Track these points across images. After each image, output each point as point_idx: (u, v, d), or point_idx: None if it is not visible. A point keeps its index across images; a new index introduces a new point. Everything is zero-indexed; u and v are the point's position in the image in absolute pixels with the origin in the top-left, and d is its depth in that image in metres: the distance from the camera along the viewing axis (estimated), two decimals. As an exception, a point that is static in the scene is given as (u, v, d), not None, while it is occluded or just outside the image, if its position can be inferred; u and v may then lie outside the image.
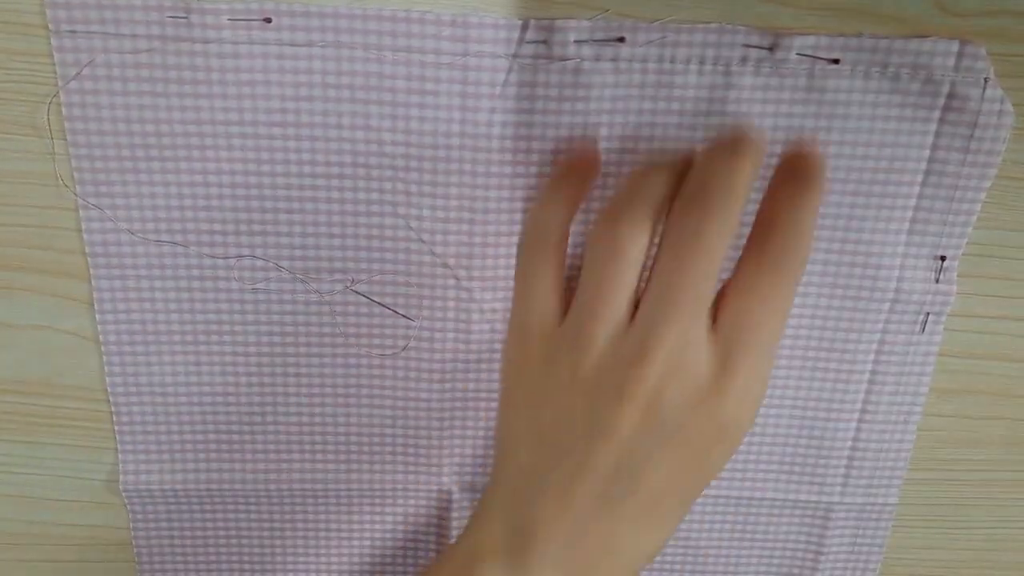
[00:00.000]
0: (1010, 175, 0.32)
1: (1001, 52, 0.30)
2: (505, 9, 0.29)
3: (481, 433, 0.36)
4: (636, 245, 0.27)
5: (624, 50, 0.29)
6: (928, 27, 0.29)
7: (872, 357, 0.35)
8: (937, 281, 0.33)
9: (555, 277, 0.29)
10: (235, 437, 0.36)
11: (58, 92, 0.30)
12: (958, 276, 0.34)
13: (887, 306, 0.34)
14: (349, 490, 0.37)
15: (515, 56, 0.29)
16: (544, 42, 0.29)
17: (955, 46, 0.29)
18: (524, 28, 0.29)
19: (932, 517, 0.39)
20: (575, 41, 0.29)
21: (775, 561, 0.39)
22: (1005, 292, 0.34)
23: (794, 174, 0.28)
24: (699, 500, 0.37)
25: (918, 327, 0.34)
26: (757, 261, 0.27)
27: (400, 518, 0.38)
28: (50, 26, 0.29)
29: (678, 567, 0.39)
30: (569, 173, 0.30)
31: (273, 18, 0.29)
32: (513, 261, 0.33)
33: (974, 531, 0.39)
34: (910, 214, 0.32)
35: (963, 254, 0.33)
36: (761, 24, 0.29)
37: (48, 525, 0.38)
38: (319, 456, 0.36)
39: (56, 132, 0.31)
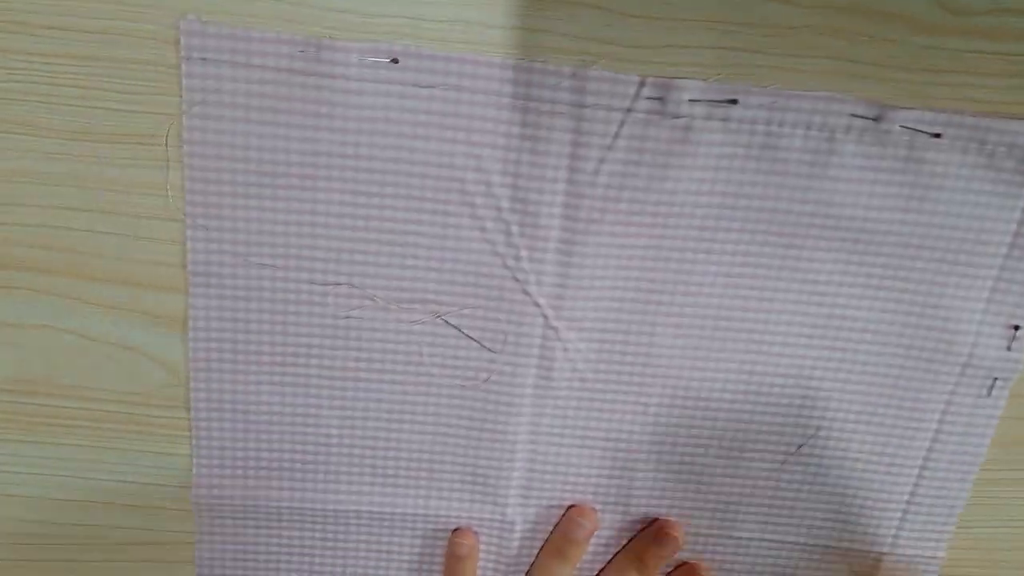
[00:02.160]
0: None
1: (1002, 51, 0.30)
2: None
3: (549, 468, 0.37)
4: None
5: (735, 111, 0.30)
6: (929, 26, 0.30)
7: (938, 417, 0.36)
8: (1009, 349, 0.34)
9: None
10: (309, 458, 0.36)
11: (182, 116, 0.30)
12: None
13: (957, 370, 0.35)
14: (416, 515, 0.38)
15: (630, 110, 0.30)
16: (660, 99, 0.30)
17: None
18: (641, 84, 0.30)
19: (934, 517, 0.39)
20: (689, 100, 0.30)
21: None
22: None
23: None
24: (748, 541, 0.39)
25: (985, 391, 0.35)
26: None
27: (485, 546, 0.39)
28: (182, 52, 0.29)
29: None
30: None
31: (400, 59, 0.30)
32: (604, 304, 0.34)
33: (975, 531, 0.39)
34: (990, 283, 0.33)
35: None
36: (761, 23, 0.30)
37: (49, 525, 0.38)
38: (390, 480, 0.37)
39: (172, 146, 0.31)
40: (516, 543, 0.38)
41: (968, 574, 0.40)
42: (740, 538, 0.38)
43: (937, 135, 0.31)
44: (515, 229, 0.32)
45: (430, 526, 0.38)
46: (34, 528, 0.38)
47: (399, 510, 0.38)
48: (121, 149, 0.31)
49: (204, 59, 0.29)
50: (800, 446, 0.36)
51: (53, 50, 0.29)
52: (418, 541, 0.38)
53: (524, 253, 0.33)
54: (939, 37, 0.30)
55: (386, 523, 0.38)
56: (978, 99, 0.31)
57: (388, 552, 0.38)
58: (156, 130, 0.31)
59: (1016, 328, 0.34)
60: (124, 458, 0.36)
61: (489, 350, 0.34)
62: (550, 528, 0.38)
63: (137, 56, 0.30)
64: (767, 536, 0.38)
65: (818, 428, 0.36)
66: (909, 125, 0.31)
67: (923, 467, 0.37)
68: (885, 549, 0.38)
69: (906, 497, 0.37)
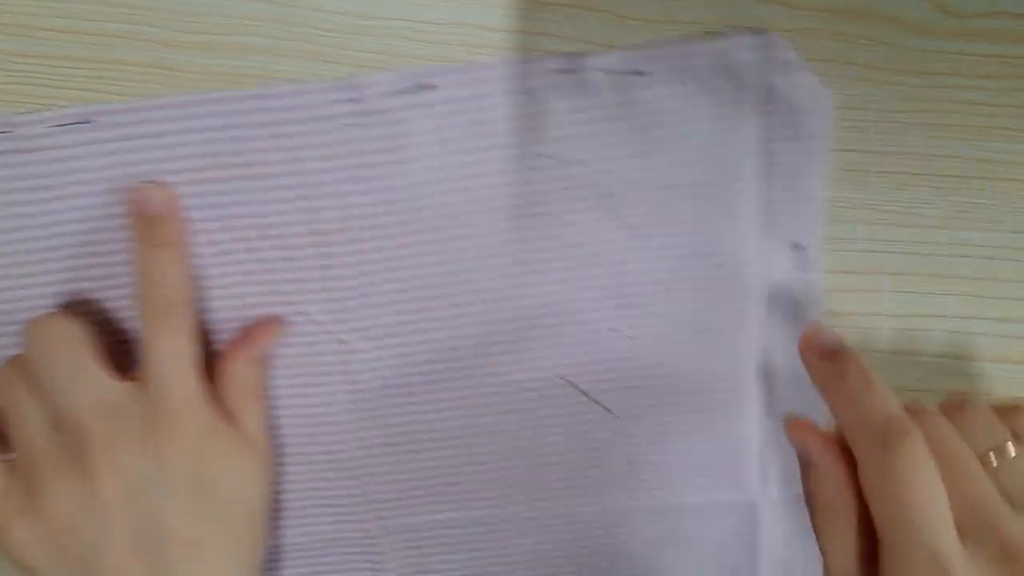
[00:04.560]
0: (1014, 177, 0.32)
1: (1001, 53, 0.30)
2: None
3: (407, 476, 0.36)
4: None
5: (436, 95, 0.30)
6: (927, 28, 0.29)
7: (758, 353, 0.34)
8: (801, 270, 0.33)
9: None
10: None
11: None
12: (958, 277, 0.34)
13: (752, 304, 0.33)
14: (296, 543, 0.37)
15: (333, 118, 0.30)
16: (356, 99, 0.30)
17: (750, 39, 0.30)
18: (334, 90, 0.30)
19: (932, 518, 0.39)
20: (384, 93, 0.30)
21: (712, 565, 0.38)
22: (1005, 294, 0.34)
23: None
24: (625, 511, 0.37)
25: (795, 317, 0.34)
26: None
27: (336, 567, 0.38)
28: None
29: None
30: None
31: (92, 119, 0.30)
32: (384, 310, 0.33)
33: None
34: (754, 207, 0.32)
35: (964, 256, 0.33)
36: (761, 25, 0.29)
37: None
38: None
39: None
40: (391, 554, 0.37)
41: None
42: (593, 510, 0.37)
43: (640, 72, 0.30)
44: (269, 255, 0.32)
45: (300, 554, 0.37)
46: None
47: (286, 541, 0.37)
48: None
49: None
50: (609, 411, 0.35)
51: (54, 52, 0.30)
52: (290, 571, 0.38)
53: (290, 275, 0.32)
54: (937, 40, 0.30)
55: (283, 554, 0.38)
56: (976, 101, 0.31)
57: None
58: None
59: (800, 248, 0.33)
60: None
61: (300, 385, 0.34)
62: (424, 535, 0.37)
63: (137, 59, 0.30)
64: (634, 503, 0.37)
65: (637, 387, 0.35)
66: (610, 69, 0.30)
67: (765, 404, 0.35)
68: (756, 496, 0.36)
69: (757, 439, 0.35)
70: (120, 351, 0.32)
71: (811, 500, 0.29)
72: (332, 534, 0.37)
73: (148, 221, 0.30)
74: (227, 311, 0.33)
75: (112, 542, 0.28)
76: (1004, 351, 0.35)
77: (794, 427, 0.30)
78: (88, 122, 0.30)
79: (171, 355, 0.29)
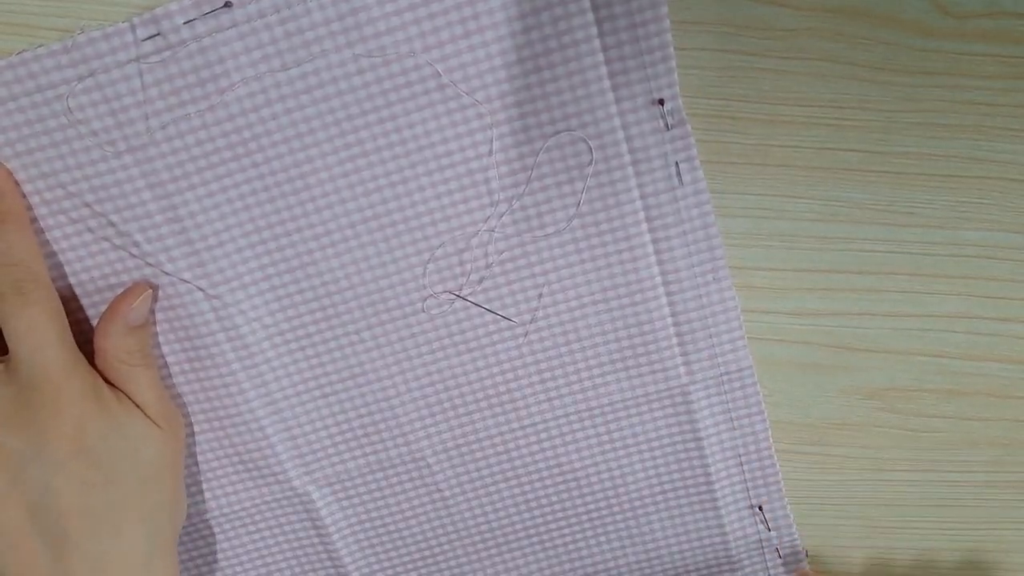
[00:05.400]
0: (1013, 177, 0.32)
1: (1000, 54, 0.30)
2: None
3: (320, 425, 0.35)
4: None
5: (237, 13, 0.28)
6: (926, 28, 0.30)
7: (645, 226, 0.32)
8: (668, 127, 0.31)
9: None
10: None
11: None
12: (957, 277, 0.34)
13: (631, 169, 0.31)
14: (215, 515, 0.37)
15: (139, 59, 0.29)
16: (158, 35, 0.28)
17: None
18: (133, 29, 0.28)
19: (932, 518, 0.39)
20: (185, 23, 0.28)
21: (659, 460, 0.37)
22: (1004, 294, 0.34)
23: None
24: (551, 420, 0.36)
25: (675, 180, 0.32)
26: None
27: (277, 530, 0.37)
28: None
29: (564, 492, 0.37)
30: None
31: None
32: (239, 254, 0.32)
33: (975, 532, 0.39)
34: (604, 70, 0.30)
35: (963, 256, 0.34)
36: (760, 26, 0.30)
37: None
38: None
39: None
40: (324, 511, 0.37)
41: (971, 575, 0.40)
42: (519, 424, 0.36)
43: None
44: (115, 219, 0.31)
45: (238, 524, 0.37)
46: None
47: (203, 518, 0.37)
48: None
49: None
50: (532, 320, 0.34)
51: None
52: (229, 542, 0.37)
53: (139, 237, 0.31)
54: (936, 40, 0.30)
55: (192, 529, 0.37)
56: (975, 101, 0.31)
57: (209, 558, 0.38)
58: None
59: (661, 103, 0.30)
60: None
61: (186, 348, 0.33)
62: (356, 481, 0.36)
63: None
64: (565, 410, 0.36)
65: (529, 288, 0.33)
66: None
67: (665, 283, 0.33)
68: (683, 380, 0.35)
69: (669, 320, 0.34)
70: None
71: None
72: (260, 498, 0.36)
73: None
74: (92, 282, 0.32)
75: (7, 525, 0.29)
76: (1003, 351, 0.35)
77: None
78: None
79: (31, 331, 0.29)
